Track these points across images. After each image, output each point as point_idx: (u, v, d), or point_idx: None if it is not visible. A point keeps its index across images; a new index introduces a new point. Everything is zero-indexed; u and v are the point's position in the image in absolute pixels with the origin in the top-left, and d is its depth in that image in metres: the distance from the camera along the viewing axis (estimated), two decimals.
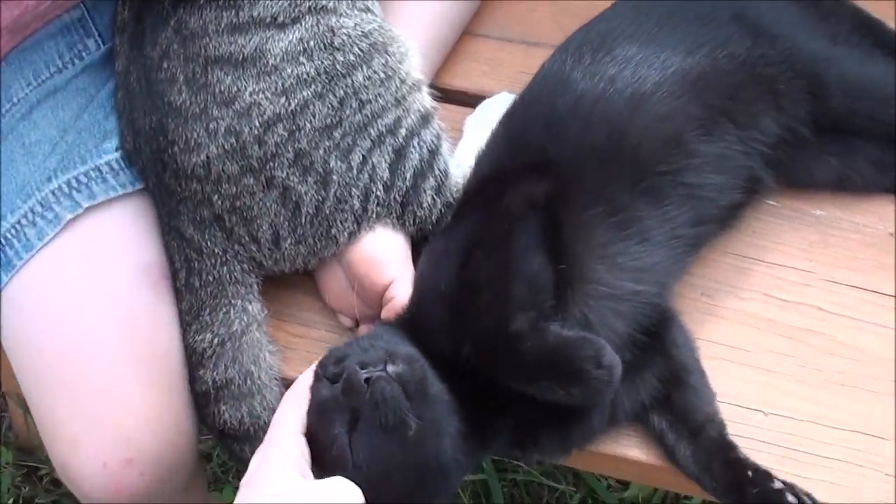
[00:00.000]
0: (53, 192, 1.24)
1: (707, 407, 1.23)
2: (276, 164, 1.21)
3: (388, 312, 1.24)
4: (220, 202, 1.22)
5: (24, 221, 1.24)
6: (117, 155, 1.29)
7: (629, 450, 1.25)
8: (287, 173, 1.21)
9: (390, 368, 1.06)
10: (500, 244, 1.16)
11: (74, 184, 1.25)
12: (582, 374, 1.07)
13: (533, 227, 1.18)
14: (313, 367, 1.13)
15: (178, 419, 1.24)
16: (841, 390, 1.27)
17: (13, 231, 1.24)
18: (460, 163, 1.33)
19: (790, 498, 1.14)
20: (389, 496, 1.06)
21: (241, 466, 1.34)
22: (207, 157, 1.20)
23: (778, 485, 1.16)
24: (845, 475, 1.22)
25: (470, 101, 1.51)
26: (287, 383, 1.26)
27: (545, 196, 1.20)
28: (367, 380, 1.04)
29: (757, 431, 1.24)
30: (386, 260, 1.26)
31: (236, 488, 1.96)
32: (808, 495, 1.15)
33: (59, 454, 1.22)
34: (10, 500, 2.03)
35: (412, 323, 1.19)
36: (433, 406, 1.08)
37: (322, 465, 1.05)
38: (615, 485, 2.02)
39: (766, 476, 1.17)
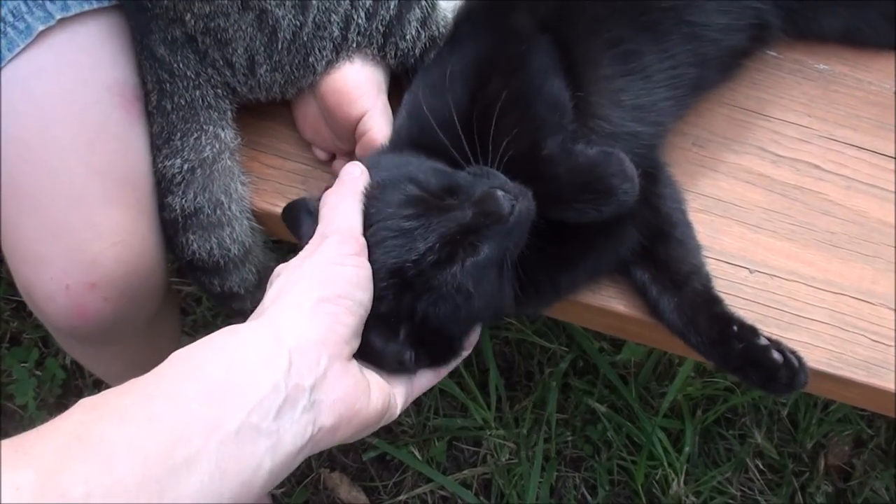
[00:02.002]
0: (26, 2, 1.18)
1: (692, 259, 1.20)
2: None
3: (362, 148, 1.19)
4: (192, 22, 1.16)
5: None
6: None
7: (611, 301, 1.23)
8: None
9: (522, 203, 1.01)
10: (517, 67, 1.12)
11: None
12: (612, 189, 1.04)
13: (547, 49, 1.13)
14: (356, 165, 1.05)
15: (146, 246, 1.21)
16: (831, 251, 1.24)
17: None
18: None
19: (775, 355, 1.11)
20: (461, 324, 1.02)
21: (212, 300, 1.32)
22: None
23: (763, 341, 1.13)
24: (829, 338, 1.20)
25: None
26: (259, 215, 1.23)
27: (550, 17, 1.16)
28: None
29: (741, 289, 1.22)
30: (358, 92, 1.20)
31: None
32: (794, 353, 1.12)
33: (24, 276, 1.19)
34: None
35: (409, 149, 1.14)
36: None
37: None
38: (608, 347, 2.00)
39: (751, 332, 1.14)
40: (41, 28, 1.18)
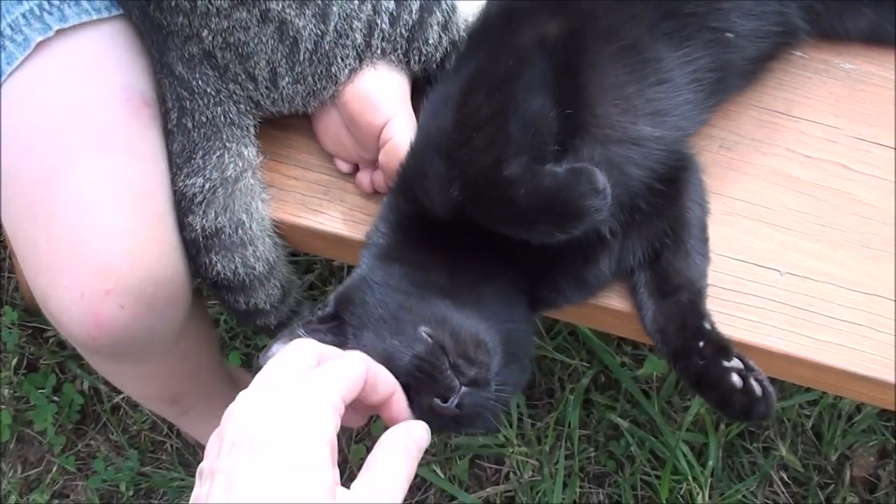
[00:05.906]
0: (24, 15, 1.18)
1: (689, 273, 1.18)
2: None
3: (385, 156, 1.18)
4: (210, 38, 1.15)
5: None
6: None
7: (610, 299, 1.22)
8: (283, 6, 1.14)
9: (470, 372, 1.00)
10: (503, 84, 1.08)
11: (46, 6, 1.19)
12: (583, 210, 1.00)
13: (541, 66, 1.10)
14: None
15: (162, 252, 1.18)
16: (862, 251, 1.22)
17: None
18: None
19: (733, 379, 1.08)
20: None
21: (235, 318, 1.31)
22: None
23: (731, 363, 1.10)
24: (861, 339, 1.18)
25: None
26: (281, 227, 1.23)
27: (557, 33, 1.13)
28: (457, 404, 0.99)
29: (771, 291, 1.20)
30: (381, 99, 1.19)
31: (243, 355, 1.96)
32: (762, 382, 1.08)
33: (40, 287, 1.17)
34: (14, 360, 2.03)
35: (405, 182, 1.13)
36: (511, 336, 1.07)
37: None
38: (629, 362, 1.99)
39: (720, 351, 1.11)
40: (39, 39, 1.17)
